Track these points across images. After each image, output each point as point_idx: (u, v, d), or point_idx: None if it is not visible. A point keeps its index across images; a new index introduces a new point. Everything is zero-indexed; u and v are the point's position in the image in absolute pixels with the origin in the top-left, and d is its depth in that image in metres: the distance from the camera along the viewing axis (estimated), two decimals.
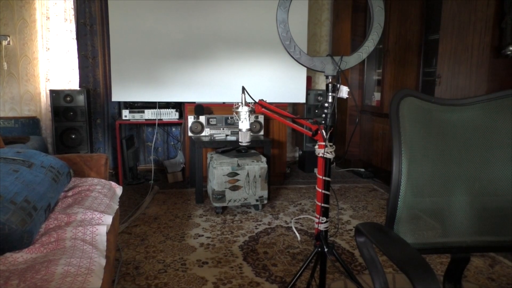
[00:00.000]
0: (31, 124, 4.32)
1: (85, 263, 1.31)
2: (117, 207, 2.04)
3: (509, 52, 2.69)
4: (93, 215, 1.71)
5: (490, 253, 2.55)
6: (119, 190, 2.24)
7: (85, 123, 4.18)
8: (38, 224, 1.52)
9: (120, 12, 4.01)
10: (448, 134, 1.25)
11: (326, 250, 1.79)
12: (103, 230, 1.61)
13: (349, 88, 1.70)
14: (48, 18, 4.36)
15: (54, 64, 4.45)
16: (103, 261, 1.40)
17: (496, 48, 2.80)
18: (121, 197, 2.23)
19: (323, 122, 1.72)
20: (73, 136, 4.17)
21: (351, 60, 1.68)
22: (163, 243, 2.73)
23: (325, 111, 1.70)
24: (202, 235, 2.88)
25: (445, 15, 3.21)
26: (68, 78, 4.53)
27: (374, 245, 1.09)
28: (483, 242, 1.21)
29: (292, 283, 1.86)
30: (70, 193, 1.96)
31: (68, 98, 4.12)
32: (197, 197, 3.63)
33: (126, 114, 4.16)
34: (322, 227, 1.80)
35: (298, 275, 1.85)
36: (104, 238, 1.58)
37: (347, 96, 1.67)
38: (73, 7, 4.41)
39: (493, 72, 2.84)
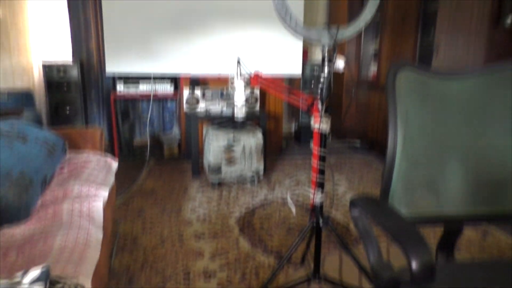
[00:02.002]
0: (24, 96, 4.27)
1: (82, 236, 1.33)
2: (113, 181, 2.05)
3: (508, 22, 2.65)
4: (90, 189, 1.72)
5: (482, 225, 2.60)
6: (115, 164, 2.24)
7: (79, 96, 4.13)
8: (35, 198, 1.53)
9: None
10: (445, 106, 1.25)
11: (321, 223, 1.82)
12: (99, 204, 1.62)
13: (345, 60, 1.69)
14: None
15: (45, 34, 4.36)
16: (100, 235, 1.42)
17: (495, 17, 2.76)
18: (117, 171, 2.23)
19: (319, 95, 1.71)
20: (68, 109, 4.14)
21: (348, 31, 1.66)
22: (160, 217, 2.76)
23: (321, 83, 1.69)
24: (199, 209, 2.91)
25: None
26: (60, 50, 4.45)
27: (368, 218, 1.10)
28: (476, 212, 1.23)
29: (288, 255, 1.90)
30: (66, 167, 1.96)
31: (61, 71, 4.06)
32: (193, 171, 3.64)
33: (120, 87, 4.12)
34: (317, 200, 1.81)
35: (294, 247, 1.88)
36: (101, 211, 1.59)
37: (343, 69, 1.65)
38: None
39: (492, 43, 2.82)
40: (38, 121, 4.04)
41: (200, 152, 3.72)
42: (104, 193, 1.74)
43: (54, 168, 1.83)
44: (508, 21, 2.65)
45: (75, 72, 4.09)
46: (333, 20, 5.13)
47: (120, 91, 4.12)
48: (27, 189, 1.46)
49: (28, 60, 4.34)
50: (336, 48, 1.63)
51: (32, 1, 4.24)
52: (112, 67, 4.06)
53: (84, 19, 4.41)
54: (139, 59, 4.08)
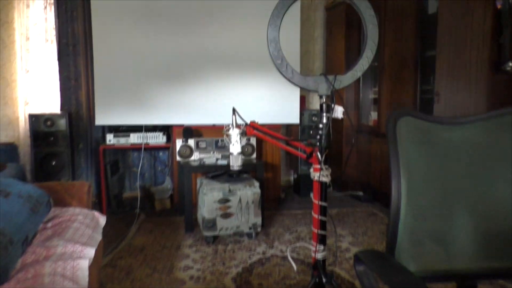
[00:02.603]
0: (8, 150, 4.28)
1: None
2: (100, 238, 2.01)
3: (508, 68, 2.74)
4: (74, 248, 1.68)
5: (499, 281, 2.54)
6: (102, 219, 2.21)
7: (66, 148, 4.15)
8: (14, 259, 1.49)
9: (104, 31, 4.04)
10: (449, 154, 1.26)
11: (324, 280, 1.77)
12: (84, 264, 1.58)
13: (344, 107, 1.72)
14: (28, 38, 4.38)
15: (34, 86, 4.45)
16: None
17: (495, 63, 2.85)
18: (105, 227, 2.20)
19: (318, 143, 1.72)
20: (54, 163, 4.14)
21: (346, 79, 1.70)
22: (150, 277, 2.69)
23: (320, 132, 1.71)
24: (192, 267, 2.84)
25: (441, 30, 3.28)
26: (49, 101, 4.52)
27: (375, 275, 1.08)
28: (491, 268, 1.21)
29: None
30: (49, 224, 1.93)
31: (49, 122, 4.10)
32: (187, 226, 3.59)
33: (110, 138, 4.14)
34: (319, 255, 1.78)
35: None
36: (86, 273, 1.55)
37: (342, 116, 1.68)
38: (54, 27, 4.44)
39: (493, 89, 2.89)
40: (22, 176, 4.03)
41: (193, 205, 3.68)
42: (90, 252, 1.70)
43: (37, 226, 1.81)
44: (509, 65, 2.74)
45: (63, 123, 4.13)
46: (330, 67, 5.28)
47: (110, 143, 4.15)
48: (7, 249, 1.43)
49: (14, 112, 4.40)
50: (334, 97, 1.67)
51: (22, 53, 4.37)
52: (102, 118, 4.11)
53: (74, 70, 4.52)
54: (130, 110, 4.14)
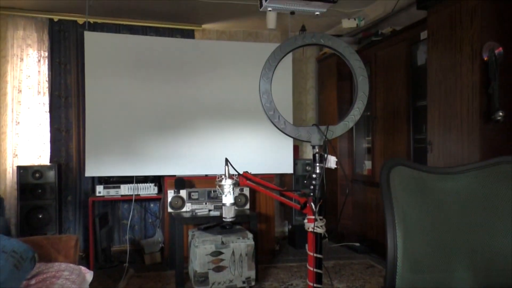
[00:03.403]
0: None
1: None
2: None
3: (499, 117, 2.81)
4: None
5: None
6: (89, 275, 2.15)
7: (54, 201, 4.10)
8: None
9: (96, 82, 4.12)
10: (444, 203, 1.27)
11: None
12: None
13: (337, 157, 1.73)
14: (20, 91, 4.44)
15: (23, 138, 4.45)
16: None
17: (485, 113, 2.92)
18: (92, 283, 2.13)
19: (312, 194, 1.72)
20: (40, 216, 4.07)
21: (338, 129, 1.73)
22: None
23: (313, 182, 1.71)
24: None
25: (431, 82, 3.38)
26: (38, 153, 4.51)
27: None
28: None
29: None
30: (33, 281, 1.87)
31: (37, 174, 4.07)
32: (177, 281, 3.49)
33: (100, 189, 4.10)
34: None
35: None
36: None
37: (336, 166, 1.69)
38: (47, 79, 4.52)
39: (485, 137, 2.94)
40: (6, 230, 3.95)
41: (185, 259, 3.60)
42: None
43: (20, 283, 1.75)
44: (500, 114, 2.81)
45: (52, 175, 4.11)
46: (323, 117, 5.37)
47: (99, 194, 4.10)
48: None
49: (2, 164, 4.37)
50: (327, 147, 1.69)
51: (14, 105, 4.41)
52: (92, 169, 4.10)
53: (65, 122, 4.56)
54: (121, 161, 4.14)
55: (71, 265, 2.12)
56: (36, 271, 1.97)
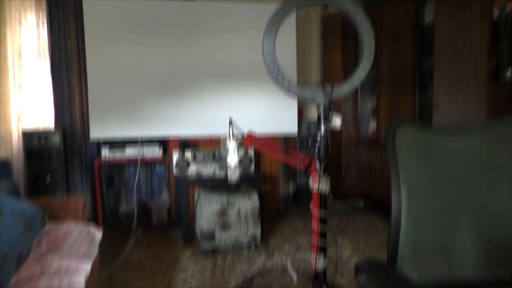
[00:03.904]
0: (1, 167, 4.26)
1: None
2: (97, 253, 2.00)
3: (507, 78, 2.76)
4: (70, 263, 1.67)
5: None
6: (98, 234, 2.20)
7: (61, 164, 4.13)
8: (8, 276, 1.48)
9: (97, 46, 4.06)
10: (449, 163, 1.27)
11: None
12: (81, 279, 1.57)
13: (342, 117, 1.73)
14: (21, 55, 4.39)
15: (27, 102, 4.45)
16: None
17: (493, 73, 2.87)
18: (101, 242, 2.18)
19: (316, 154, 1.73)
20: (48, 179, 4.12)
21: (343, 89, 1.71)
22: None
23: (318, 142, 1.71)
24: (191, 280, 2.82)
25: (438, 41, 3.31)
26: (42, 117, 4.52)
27: (376, 285, 1.07)
28: (495, 277, 1.20)
29: None
30: (44, 240, 1.92)
31: (42, 139, 4.09)
32: (185, 238, 3.57)
33: (105, 152, 4.14)
34: (320, 266, 1.77)
35: None
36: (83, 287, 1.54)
37: (340, 126, 1.69)
38: (47, 43, 4.46)
39: (492, 98, 2.91)
40: (15, 192, 4.01)
41: (191, 218, 3.67)
42: (86, 267, 1.69)
43: (31, 242, 1.79)
44: (508, 74, 2.76)
45: (57, 139, 4.12)
46: (327, 77, 5.31)
47: (105, 157, 4.14)
48: (0, 266, 1.42)
49: (7, 128, 4.38)
50: (332, 107, 1.68)
51: (16, 70, 4.37)
52: (97, 132, 4.11)
53: (68, 85, 4.53)
54: (125, 123, 4.14)
55: (80, 224, 2.17)
56: (46, 231, 2.01)
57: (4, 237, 1.54)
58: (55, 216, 2.24)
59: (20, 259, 1.61)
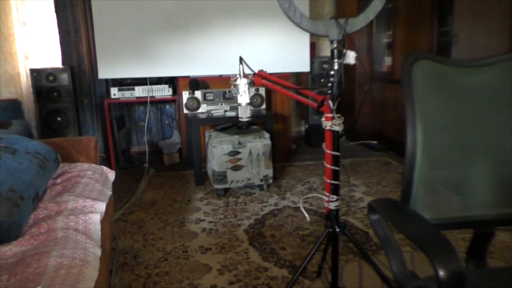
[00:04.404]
0: (12, 107, 4.31)
1: (79, 254, 1.33)
2: (111, 193, 2.05)
3: None
4: (85, 203, 1.72)
5: None
6: (111, 175, 2.25)
7: (71, 104, 4.16)
8: (26, 215, 1.53)
9: None
10: (467, 98, 1.24)
11: (337, 230, 1.80)
12: (96, 218, 1.62)
13: (356, 53, 1.68)
14: None
15: (32, 40, 4.40)
16: (98, 251, 1.42)
17: None
18: (114, 183, 2.24)
19: (329, 91, 1.70)
20: (59, 119, 4.16)
21: (358, 22, 1.65)
22: (162, 230, 2.76)
23: (331, 79, 1.68)
24: (204, 220, 2.91)
25: None
26: (49, 55, 4.49)
27: (389, 223, 1.09)
28: (508, 214, 1.21)
29: (302, 266, 1.89)
30: (59, 180, 1.97)
31: (51, 78, 4.09)
32: (197, 179, 3.65)
33: (115, 92, 4.14)
34: (332, 205, 1.80)
35: (309, 258, 1.87)
36: (98, 226, 1.60)
37: (355, 62, 1.65)
38: None
39: None
40: (27, 133, 4.08)
41: (203, 159, 3.72)
42: (101, 207, 1.74)
43: (46, 182, 1.84)
44: None
45: (65, 78, 4.11)
46: (341, 11, 5.13)
47: (114, 97, 4.14)
48: (18, 205, 1.47)
49: (15, 67, 4.38)
50: (345, 42, 1.63)
51: (19, 6, 4.28)
52: (105, 72, 4.09)
53: (73, 22, 4.44)
54: (134, 62, 4.10)
55: (94, 165, 2.21)
56: (60, 171, 2.06)
57: (20, 177, 1.58)
58: (68, 156, 2.28)
59: (37, 199, 1.66)
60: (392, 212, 1.08)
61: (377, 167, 4.02)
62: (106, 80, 4.50)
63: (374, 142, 4.81)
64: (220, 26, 4.19)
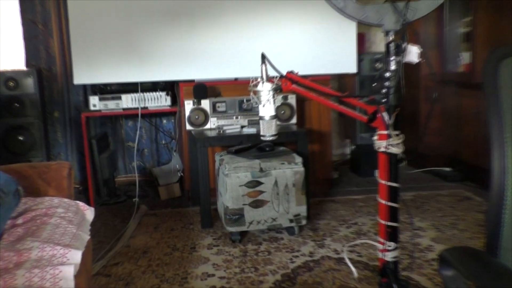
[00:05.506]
0: None
1: None
2: (89, 237, 2.07)
3: None
4: (55, 251, 1.73)
5: None
6: (90, 213, 2.27)
7: (37, 118, 4.20)
8: None
9: None
10: None
11: None
12: (69, 272, 1.63)
13: (421, 48, 1.68)
14: None
15: None
16: None
17: None
18: (93, 224, 2.26)
19: (384, 100, 1.70)
20: (21, 138, 4.21)
21: (423, 7, 1.66)
22: None
23: (387, 84, 1.68)
24: (213, 275, 2.90)
25: None
26: (9, 53, 4.57)
27: (469, 282, 1.08)
28: None
29: None
30: (20, 221, 1.99)
31: (11, 83, 4.13)
32: (203, 220, 3.65)
33: (95, 102, 4.16)
34: (389, 256, 1.79)
35: None
36: (72, 283, 1.60)
37: (419, 60, 1.65)
38: None
39: None
40: None
41: (212, 192, 3.73)
42: (75, 256, 1.75)
43: (3, 223, 1.87)
44: None
45: (30, 84, 4.15)
46: None
47: (94, 108, 4.17)
48: None
49: None
50: (406, 33, 1.64)
51: None
52: (83, 75, 4.11)
53: (41, 11, 4.53)
54: (121, 63, 4.12)
55: (66, 200, 2.23)
56: (22, 208, 2.09)
57: None
58: (33, 187, 2.31)
59: None
60: (473, 267, 1.07)
61: (451, 204, 3.97)
62: (84, 87, 4.58)
63: (447, 169, 4.76)
64: (236, 14, 4.23)
